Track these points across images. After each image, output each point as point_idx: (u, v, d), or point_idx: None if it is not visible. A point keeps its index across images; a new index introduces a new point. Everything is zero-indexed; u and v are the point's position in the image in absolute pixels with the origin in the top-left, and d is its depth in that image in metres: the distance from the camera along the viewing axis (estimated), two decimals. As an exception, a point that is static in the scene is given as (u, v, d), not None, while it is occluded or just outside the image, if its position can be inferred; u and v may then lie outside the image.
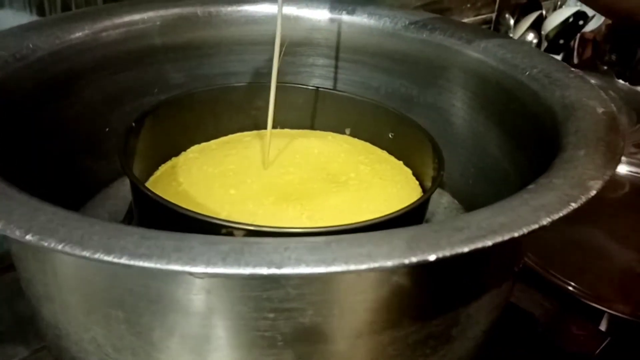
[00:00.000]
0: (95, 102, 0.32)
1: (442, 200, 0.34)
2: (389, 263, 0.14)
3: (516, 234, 0.15)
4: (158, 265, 0.13)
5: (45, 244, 0.14)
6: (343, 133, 0.35)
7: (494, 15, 0.72)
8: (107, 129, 0.33)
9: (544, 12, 0.69)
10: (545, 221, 0.16)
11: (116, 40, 0.32)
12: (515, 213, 0.16)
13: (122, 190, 0.33)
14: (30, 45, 0.28)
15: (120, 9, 0.33)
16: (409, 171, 0.32)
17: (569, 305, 0.35)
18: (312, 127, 0.35)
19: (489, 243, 0.15)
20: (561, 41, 0.65)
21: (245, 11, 0.36)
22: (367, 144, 0.34)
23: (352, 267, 0.14)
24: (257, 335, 0.17)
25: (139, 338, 0.18)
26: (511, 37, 0.32)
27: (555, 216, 0.16)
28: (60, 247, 0.14)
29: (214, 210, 0.26)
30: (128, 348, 0.19)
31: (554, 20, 0.68)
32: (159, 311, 0.17)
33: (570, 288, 0.36)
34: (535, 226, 0.15)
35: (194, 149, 0.33)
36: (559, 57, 0.65)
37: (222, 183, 0.29)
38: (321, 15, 0.37)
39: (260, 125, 0.35)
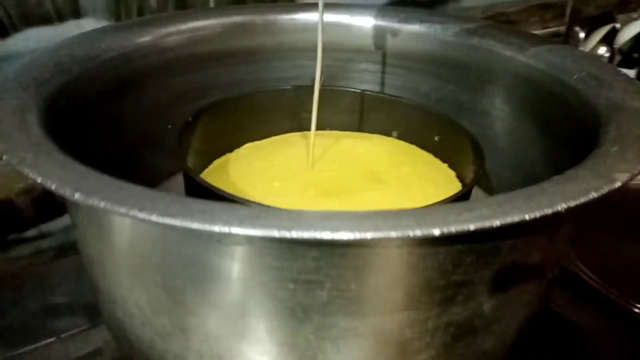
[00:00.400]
0: (158, 101, 0.35)
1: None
2: (393, 234, 0.14)
3: (527, 217, 0.15)
4: (183, 224, 0.15)
5: (90, 201, 0.16)
6: (390, 136, 0.36)
7: (563, 29, 0.71)
8: (169, 126, 0.36)
9: (617, 25, 0.66)
10: (560, 207, 0.16)
11: (179, 44, 0.35)
12: (531, 199, 0.16)
13: (179, 184, 0.36)
14: (103, 47, 0.31)
15: (184, 16, 0.36)
16: (452, 174, 0.32)
17: (625, 323, 0.33)
18: (359, 130, 0.36)
19: (497, 223, 0.15)
20: (635, 55, 0.63)
21: (301, 19, 0.38)
22: (413, 147, 0.34)
23: (358, 236, 0.14)
24: (279, 305, 0.18)
25: (174, 302, 0.20)
26: (561, 43, 0.32)
27: (572, 203, 0.16)
28: (102, 204, 0.16)
29: (257, 200, 0.28)
30: (165, 311, 0.20)
31: (628, 33, 0.65)
32: (191, 276, 0.19)
33: (628, 306, 0.34)
34: (549, 210, 0.15)
35: (247, 146, 0.35)
36: (632, 72, 0.62)
37: (267, 177, 0.30)
38: (373, 22, 0.38)
39: (309, 126, 0.36)
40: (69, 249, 0.40)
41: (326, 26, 0.38)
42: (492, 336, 0.21)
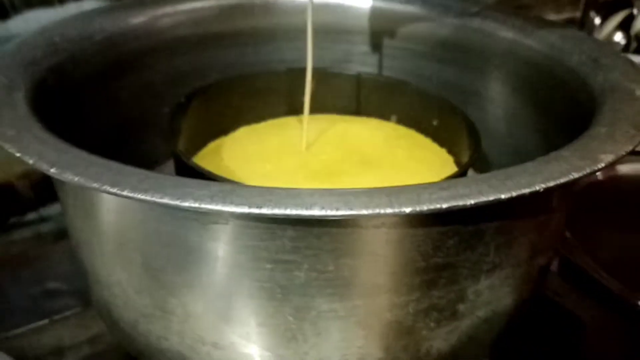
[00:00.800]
0: (154, 83, 0.34)
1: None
2: (364, 211, 0.14)
3: (502, 196, 0.15)
4: (153, 199, 0.15)
5: (65, 176, 0.16)
6: (389, 120, 0.35)
7: (578, 14, 0.69)
8: (165, 109, 0.36)
9: (634, 11, 0.64)
10: (538, 187, 0.15)
11: (176, 25, 0.34)
12: (510, 178, 0.16)
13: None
14: (97, 27, 0.31)
15: (182, -4, 0.35)
16: (450, 158, 0.32)
17: (627, 316, 0.33)
18: (358, 113, 0.36)
19: (471, 202, 0.15)
20: (652, 42, 0.61)
21: (298, 0, 0.37)
22: (412, 131, 0.34)
23: (328, 212, 0.14)
24: (257, 285, 0.18)
25: (154, 282, 0.20)
26: (564, 25, 0.31)
27: (551, 183, 0.15)
28: (76, 179, 0.16)
29: (247, 182, 0.28)
30: (146, 292, 0.20)
31: (644, 19, 0.64)
32: (170, 256, 0.19)
33: (630, 298, 0.34)
34: (526, 190, 0.15)
35: (242, 129, 0.34)
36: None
37: (260, 159, 0.30)
38: (373, 4, 0.37)
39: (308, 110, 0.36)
40: (69, 232, 0.41)
41: (325, 8, 0.38)
42: (478, 322, 0.21)
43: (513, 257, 0.20)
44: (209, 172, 0.24)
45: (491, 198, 0.15)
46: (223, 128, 0.34)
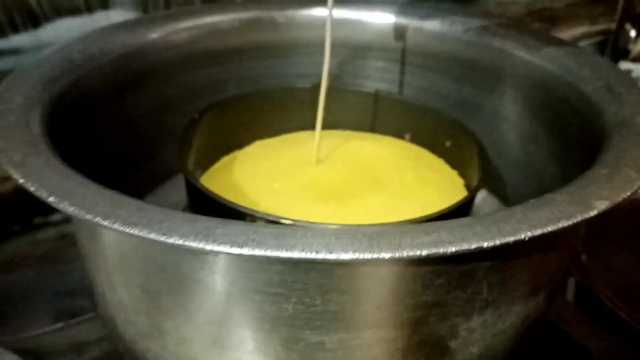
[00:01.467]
0: (173, 96, 0.35)
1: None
2: (343, 256, 0.14)
3: (485, 245, 0.15)
4: (140, 234, 0.15)
5: (62, 206, 0.16)
6: (403, 138, 0.35)
7: (613, 26, 0.67)
8: (183, 121, 0.36)
9: (672, 24, 0.62)
10: (523, 235, 0.15)
11: (195, 39, 0.35)
12: (495, 224, 0.15)
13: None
14: (118, 42, 0.31)
15: (202, 10, 0.36)
16: (460, 181, 0.31)
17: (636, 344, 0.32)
18: (372, 131, 0.36)
19: (452, 249, 0.14)
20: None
21: (319, 15, 0.38)
22: (424, 151, 0.34)
23: (308, 255, 0.14)
24: (247, 315, 0.19)
25: (151, 303, 0.20)
26: (581, 47, 0.30)
27: (538, 231, 0.15)
28: (71, 209, 0.16)
29: (255, 200, 0.28)
30: (144, 312, 0.21)
31: (682, 32, 0.61)
32: (165, 280, 0.19)
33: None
34: (510, 239, 0.15)
35: (256, 143, 0.35)
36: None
37: (269, 176, 0.30)
38: (393, 19, 0.37)
39: (322, 125, 0.36)
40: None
41: (344, 22, 0.38)
42: (472, 358, 0.21)
43: (508, 294, 0.20)
44: (212, 193, 0.24)
45: (473, 247, 0.15)
46: (238, 142, 0.34)
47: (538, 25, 0.58)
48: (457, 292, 0.18)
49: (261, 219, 0.23)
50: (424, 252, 0.14)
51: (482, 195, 0.34)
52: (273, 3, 0.38)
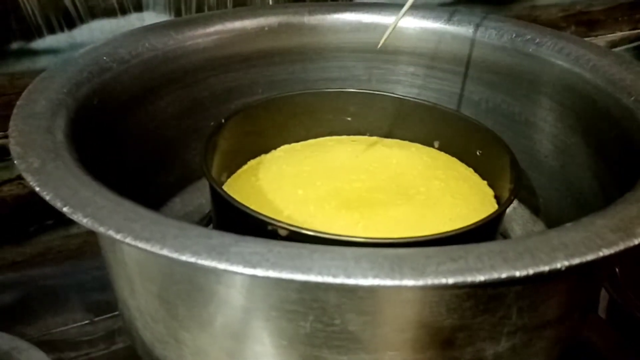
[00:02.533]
0: (203, 99, 0.35)
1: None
2: (362, 281, 0.14)
3: (518, 274, 0.14)
4: (153, 249, 0.15)
5: (76, 217, 0.16)
6: (431, 146, 0.34)
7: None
8: (212, 124, 0.36)
9: None
10: (559, 264, 0.14)
11: (226, 43, 0.35)
12: (529, 251, 0.14)
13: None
14: (147, 45, 0.31)
15: (232, 14, 0.36)
16: (490, 192, 0.30)
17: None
18: (400, 137, 0.35)
19: (481, 278, 0.14)
20: None
21: (348, 19, 0.37)
22: (453, 159, 0.33)
23: (325, 279, 0.14)
24: (263, 330, 0.18)
25: (168, 313, 0.20)
26: (624, 55, 0.29)
27: (575, 261, 0.14)
28: (84, 220, 0.16)
29: (278, 207, 0.28)
30: (161, 321, 0.21)
31: None
32: (180, 292, 0.19)
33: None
34: (545, 268, 0.14)
35: (283, 148, 0.34)
36: None
37: (293, 183, 0.30)
38: (424, 24, 0.36)
39: (350, 131, 0.35)
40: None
41: (375, 27, 0.37)
42: (498, 382, 0.20)
43: (539, 318, 0.19)
44: (234, 200, 0.24)
45: (504, 276, 0.14)
46: (265, 146, 0.34)
47: (575, 29, 0.56)
48: (485, 316, 0.17)
49: (283, 228, 0.22)
50: (450, 281, 0.13)
51: (512, 205, 0.33)
52: (302, 7, 0.37)
